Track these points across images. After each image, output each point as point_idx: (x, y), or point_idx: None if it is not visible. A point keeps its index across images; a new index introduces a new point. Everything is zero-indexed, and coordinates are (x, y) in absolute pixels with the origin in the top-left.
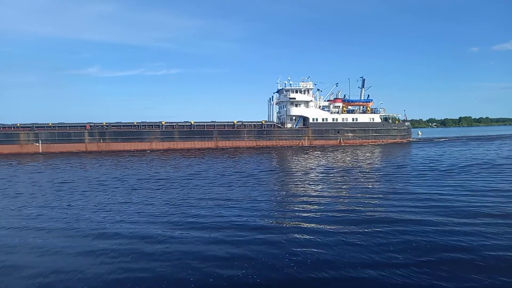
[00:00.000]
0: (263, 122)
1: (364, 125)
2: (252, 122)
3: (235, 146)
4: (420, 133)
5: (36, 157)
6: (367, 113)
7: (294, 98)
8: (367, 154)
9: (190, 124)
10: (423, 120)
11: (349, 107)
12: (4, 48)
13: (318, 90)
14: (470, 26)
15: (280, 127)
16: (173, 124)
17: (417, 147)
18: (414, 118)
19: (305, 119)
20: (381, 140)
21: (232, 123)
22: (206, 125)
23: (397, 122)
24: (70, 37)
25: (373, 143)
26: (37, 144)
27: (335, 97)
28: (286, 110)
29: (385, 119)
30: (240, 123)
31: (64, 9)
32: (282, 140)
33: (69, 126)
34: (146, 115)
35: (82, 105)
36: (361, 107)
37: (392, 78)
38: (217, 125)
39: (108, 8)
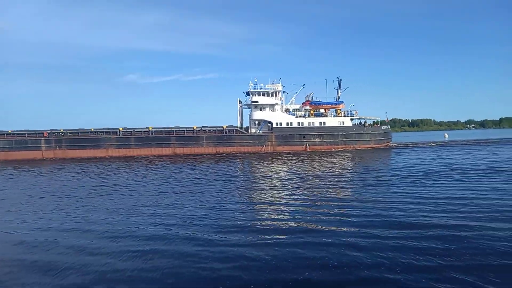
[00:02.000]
0: (224, 127)
1: (332, 130)
2: (213, 127)
3: (194, 153)
4: (446, 135)
5: None
6: (338, 116)
7: (257, 101)
8: (321, 162)
9: (148, 130)
10: (461, 121)
11: (321, 110)
12: (64, 60)
13: (284, 92)
14: None
15: (243, 133)
16: (130, 130)
17: (392, 154)
18: (451, 120)
19: (270, 123)
20: (352, 146)
21: (192, 129)
22: (165, 131)
23: (374, 126)
24: (121, 46)
25: (342, 149)
26: None
27: (307, 99)
28: (250, 114)
29: (364, 123)
30: (200, 129)
31: (115, 20)
32: (243, 146)
33: (27, 134)
34: (179, 120)
35: (128, 112)
36: (334, 110)
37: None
38: (176, 131)
39: (158, 17)
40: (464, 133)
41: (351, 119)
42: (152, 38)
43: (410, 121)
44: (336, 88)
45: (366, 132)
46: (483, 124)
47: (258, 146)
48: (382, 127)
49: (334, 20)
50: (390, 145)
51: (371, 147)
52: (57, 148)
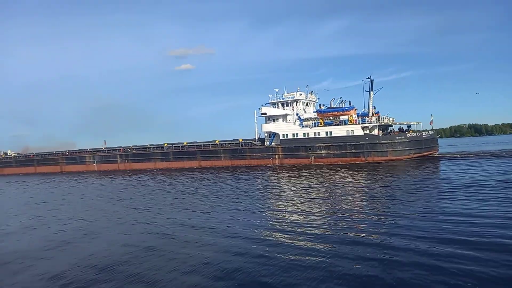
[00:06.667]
0: (240, 140)
1: (340, 140)
2: (230, 141)
3: (215, 166)
4: None
5: None
6: (350, 124)
7: (265, 113)
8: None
9: (183, 145)
10: None
11: (342, 117)
12: (253, 76)
13: (295, 101)
14: None
15: (256, 145)
16: (170, 145)
17: (408, 168)
18: None
19: (279, 135)
20: (363, 158)
21: (215, 143)
22: (196, 145)
23: (410, 132)
24: (310, 56)
25: (351, 162)
26: None
27: (328, 106)
28: (262, 126)
29: (400, 129)
30: (219, 143)
31: (305, 32)
32: (253, 159)
33: (113, 150)
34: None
35: None
36: (344, 117)
37: None
38: (203, 145)
39: (343, 22)
40: None
41: (363, 127)
42: (334, 45)
43: None
44: (368, 90)
45: (382, 141)
46: None
47: (266, 159)
48: (409, 135)
49: None
50: (433, 155)
51: (388, 159)
52: (126, 162)
